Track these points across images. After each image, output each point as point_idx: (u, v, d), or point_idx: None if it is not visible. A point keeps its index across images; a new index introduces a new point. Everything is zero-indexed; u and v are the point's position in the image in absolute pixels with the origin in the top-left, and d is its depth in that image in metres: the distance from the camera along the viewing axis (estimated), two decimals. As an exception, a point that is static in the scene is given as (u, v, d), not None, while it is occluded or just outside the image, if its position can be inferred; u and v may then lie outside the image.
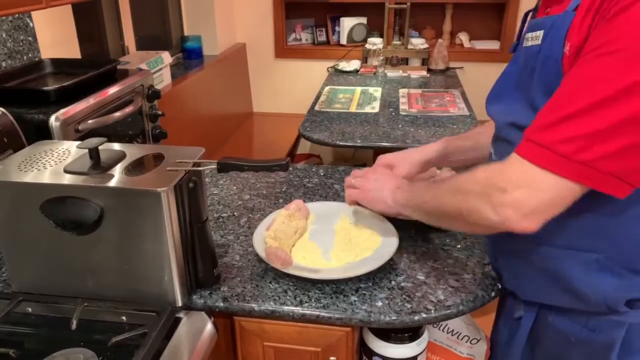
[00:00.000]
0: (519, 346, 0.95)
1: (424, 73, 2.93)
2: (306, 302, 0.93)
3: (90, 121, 1.31)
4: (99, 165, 0.89)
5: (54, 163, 0.91)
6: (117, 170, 0.89)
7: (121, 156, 0.93)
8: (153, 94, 1.64)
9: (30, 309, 0.94)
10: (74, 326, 0.86)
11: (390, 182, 1.02)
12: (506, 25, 3.08)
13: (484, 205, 0.75)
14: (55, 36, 1.80)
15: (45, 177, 0.87)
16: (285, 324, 0.94)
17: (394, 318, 0.89)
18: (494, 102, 0.95)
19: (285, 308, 0.92)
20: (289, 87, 3.40)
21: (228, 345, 1.01)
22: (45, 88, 1.30)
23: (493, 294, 0.96)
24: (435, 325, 1.16)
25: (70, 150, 0.97)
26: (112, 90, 1.44)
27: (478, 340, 1.16)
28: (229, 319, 0.98)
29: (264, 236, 1.02)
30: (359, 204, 1.07)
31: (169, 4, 2.87)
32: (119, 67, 1.60)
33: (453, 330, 1.17)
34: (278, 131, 3.11)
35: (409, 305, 0.91)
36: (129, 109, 1.46)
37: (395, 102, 2.42)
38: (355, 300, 0.93)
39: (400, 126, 2.09)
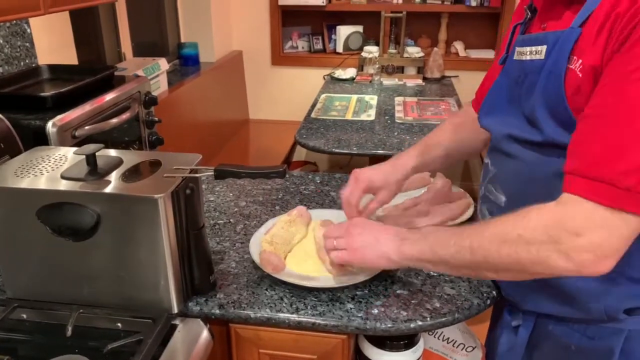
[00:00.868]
0: (517, 355, 0.95)
1: (420, 81, 2.95)
2: (302, 309, 0.93)
3: (87, 127, 1.30)
4: (95, 171, 0.89)
5: (51, 169, 0.91)
6: (114, 177, 0.89)
7: (118, 162, 0.93)
8: (150, 101, 1.64)
9: (25, 316, 0.93)
10: (69, 333, 0.86)
11: (384, 232, 0.89)
12: (501, 34, 3.11)
13: (553, 254, 0.69)
14: (52, 42, 1.80)
15: (42, 183, 0.87)
16: (281, 331, 0.94)
17: (389, 325, 0.89)
18: (487, 115, 0.96)
19: (281, 315, 0.92)
20: (286, 94, 3.41)
21: (224, 352, 1.01)
22: (42, 94, 1.30)
23: (489, 301, 0.96)
24: (431, 333, 1.16)
25: (67, 156, 0.97)
26: (109, 96, 1.44)
27: (474, 348, 1.16)
28: (224, 326, 0.97)
29: (260, 240, 1.03)
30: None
31: (165, 10, 2.88)
32: (116, 73, 1.60)
33: (449, 338, 1.17)
34: (274, 138, 3.11)
35: (404, 313, 0.91)
36: (125, 116, 1.46)
37: (391, 110, 2.43)
38: (351, 308, 0.93)
39: (395, 134, 2.10)
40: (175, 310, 0.91)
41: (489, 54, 3.19)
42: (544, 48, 0.78)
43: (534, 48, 0.80)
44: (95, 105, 1.37)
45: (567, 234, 0.68)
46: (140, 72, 2.04)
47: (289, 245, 1.05)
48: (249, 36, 3.33)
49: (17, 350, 0.90)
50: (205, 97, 2.77)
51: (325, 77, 3.14)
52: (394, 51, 3.08)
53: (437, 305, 0.93)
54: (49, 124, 1.20)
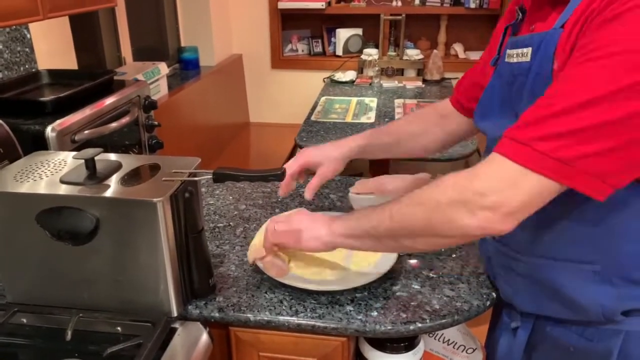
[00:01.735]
0: (516, 356, 0.95)
1: (419, 83, 2.95)
2: (302, 312, 0.93)
3: (86, 132, 1.31)
4: (95, 175, 0.89)
5: (50, 173, 0.92)
6: (113, 181, 0.89)
7: (117, 166, 0.93)
8: (149, 105, 1.65)
9: (24, 320, 0.93)
10: (68, 337, 0.86)
11: (321, 218, 0.92)
12: (500, 36, 3.11)
13: (459, 211, 0.71)
14: (52, 46, 1.81)
15: (41, 187, 0.87)
16: (281, 334, 0.94)
17: (389, 328, 0.89)
18: (482, 118, 0.96)
19: (281, 318, 0.92)
20: (286, 97, 3.42)
21: (223, 355, 1.01)
22: (41, 99, 1.31)
23: (488, 303, 0.96)
24: (431, 335, 1.16)
25: (67, 160, 0.97)
26: (109, 101, 1.44)
27: (474, 350, 1.16)
28: (224, 329, 0.97)
29: (260, 242, 1.02)
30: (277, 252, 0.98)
31: (166, 15, 2.89)
32: (115, 77, 1.61)
33: (449, 340, 1.17)
34: (274, 141, 3.12)
35: (404, 315, 0.91)
36: (125, 120, 1.47)
37: (391, 112, 2.43)
38: (350, 310, 0.93)
39: (395, 136, 2.10)
40: (175, 313, 0.91)
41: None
42: (529, 50, 0.78)
43: (520, 50, 0.81)
44: (95, 109, 1.38)
45: (471, 193, 0.70)
46: (140, 77, 2.05)
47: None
48: (248, 40, 3.33)
49: (17, 355, 0.90)
50: (205, 101, 2.78)
51: (325, 79, 3.15)
52: (393, 53, 3.08)
53: (437, 307, 0.93)
54: (49, 129, 1.20)
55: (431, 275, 1.02)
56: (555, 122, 0.66)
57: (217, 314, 0.93)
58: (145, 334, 0.85)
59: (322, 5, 3.10)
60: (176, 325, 0.92)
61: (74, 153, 0.96)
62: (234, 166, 0.94)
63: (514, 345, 0.96)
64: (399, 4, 3.17)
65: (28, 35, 1.64)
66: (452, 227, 0.73)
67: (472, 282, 1.00)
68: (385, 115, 2.38)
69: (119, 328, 0.91)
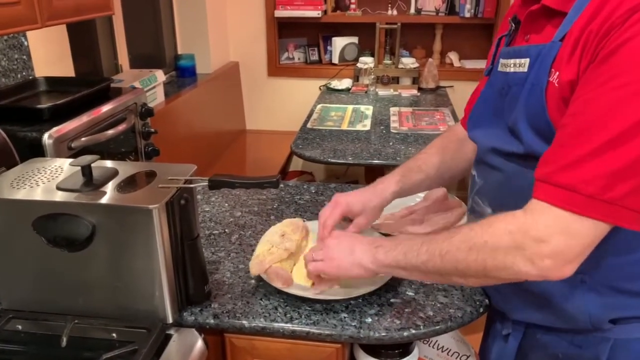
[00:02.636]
0: (508, 363, 0.96)
1: (415, 92, 2.97)
2: (296, 318, 0.93)
3: (83, 139, 1.31)
4: (91, 182, 0.90)
5: (47, 180, 0.92)
6: (110, 188, 0.89)
7: (113, 173, 0.94)
8: (146, 112, 1.65)
9: (20, 327, 0.94)
10: (64, 343, 0.86)
11: (359, 242, 0.92)
12: (495, 45, 3.14)
13: (518, 260, 0.71)
14: (49, 54, 1.82)
15: (38, 194, 0.88)
16: (276, 340, 0.95)
17: (383, 334, 0.90)
18: (475, 128, 0.97)
19: (276, 325, 0.92)
20: (282, 105, 3.43)
21: (218, 362, 1.01)
22: (38, 106, 1.31)
23: (481, 310, 0.97)
24: (425, 342, 1.17)
25: (63, 167, 0.97)
26: (105, 108, 1.45)
27: (468, 357, 1.16)
28: (219, 336, 0.98)
29: (263, 254, 1.01)
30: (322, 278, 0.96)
31: (162, 22, 2.90)
32: (112, 85, 1.62)
33: (443, 347, 1.17)
34: (271, 148, 3.12)
35: (398, 322, 0.92)
36: (122, 127, 1.47)
37: (387, 120, 2.45)
38: (345, 317, 0.93)
39: (391, 144, 2.12)
40: (170, 320, 0.92)
41: (483, 65, 3.20)
42: (527, 61, 0.80)
43: (517, 60, 0.82)
44: (92, 117, 1.38)
45: (531, 241, 0.70)
46: (136, 84, 2.06)
47: (294, 258, 1.05)
48: (245, 47, 3.35)
49: (12, 361, 0.90)
50: (202, 108, 2.79)
51: (321, 87, 3.16)
52: (389, 62, 3.10)
53: (430, 313, 0.94)
54: (45, 136, 1.21)
55: (425, 282, 1.03)
56: (595, 163, 0.66)
57: (212, 321, 0.93)
58: (140, 340, 0.86)
59: (319, 14, 3.12)
60: (171, 331, 0.92)
61: (70, 160, 0.96)
62: (230, 173, 0.95)
63: (505, 352, 0.97)
64: (395, 13, 3.20)
65: (25, 43, 1.65)
66: (509, 273, 0.73)
67: (465, 289, 1.01)
68: (380, 123, 2.40)
69: (114, 334, 0.91)
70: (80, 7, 1.39)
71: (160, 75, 2.31)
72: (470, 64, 3.23)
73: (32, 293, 0.94)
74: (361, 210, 1.05)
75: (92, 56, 2.29)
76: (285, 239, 1.04)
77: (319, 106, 2.72)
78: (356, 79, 3.11)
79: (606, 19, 0.67)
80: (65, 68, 1.93)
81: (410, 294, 1.00)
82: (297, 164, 3.29)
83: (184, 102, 2.57)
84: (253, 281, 1.03)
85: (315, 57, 3.40)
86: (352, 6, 3.20)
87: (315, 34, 3.39)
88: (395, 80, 3.04)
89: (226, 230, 1.25)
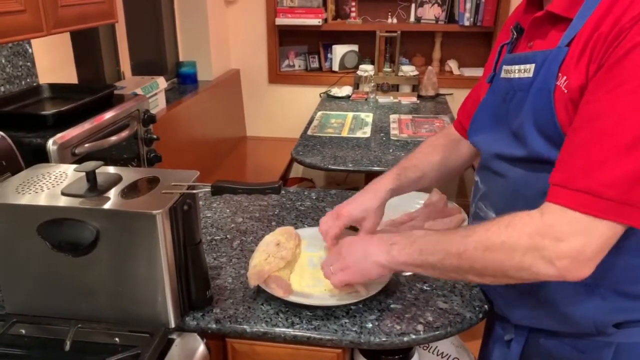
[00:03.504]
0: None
1: (414, 99, 2.99)
2: (297, 323, 0.94)
3: (86, 145, 1.33)
4: (95, 188, 0.91)
5: (51, 186, 0.93)
6: (113, 193, 0.91)
7: (117, 179, 0.95)
8: (148, 119, 1.67)
9: (23, 331, 0.94)
10: (67, 348, 0.87)
11: (370, 243, 0.92)
12: (494, 53, 3.16)
13: (535, 260, 0.72)
14: (53, 61, 1.84)
15: (43, 199, 0.89)
16: (277, 345, 0.95)
17: (384, 339, 0.91)
18: (476, 133, 0.98)
19: (277, 330, 0.93)
20: (282, 112, 3.45)
21: (220, 367, 1.02)
22: (43, 112, 1.32)
23: (481, 315, 0.98)
24: (425, 348, 1.17)
25: (67, 173, 0.99)
26: (108, 115, 1.46)
27: (467, 363, 1.17)
28: (221, 341, 0.98)
29: (261, 265, 1.02)
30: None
31: (164, 30, 2.92)
32: (115, 92, 1.63)
33: (443, 353, 1.18)
34: (271, 155, 3.14)
35: (398, 327, 0.93)
36: (124, 133, 1.49)
37: (386, 127, 2.46)
38: (345, 322, 0.94)
39: (391, 151, 2.13)
40: (173, 324, 0.92)
41: (482, 73, 3.24)
42: (532, 66, 0.81)
43: (522, 66, 0.83)
44: (95, 123, 1.40)
45: (550, 241, 0.71)
46: (139, 91, 2.07)
47: (290, 266, 1.06)
48: (246, 55, 3.38)
49: (15, 366, 0.90)
50: (203, 115, 2.81)
51: (322, 95, 3.18)
52: (389, 70, 3.13)
53: (430, 319, 0.95)
54: (50, 142, 1.22)
55: (425, 287, 1.04)
56: (614, 166, 0.67)
57: (214, 326, 0.94)
58: (143, 345, 0.87)
59: (319, 22, 3.15)
60: (174, 336, 0.93)
61: (74, 166, 0.98)
62: (231, 179, 0.96)
63: (508, 358, 0.97)
64: (395, 21, 3.22)
65: (30, 50, 1.66)
66: (528, 273, 0.74)
67: (465, 295, 1.02)
68: (380, 130, 2.41)
69: (117, 339, 0.92)
70: (85, 15, 1.41)
71: (162, 82, 2.33)
72: (469, 72, 3.26)
73: (35, 297, 0.95)
74: (363, 215, 1.06)
75: (94, 63, 2.31)
76: (281, 247, 1.05)
77: (319, 113, 2.74)
78: (356, 86, 3.13)
79: (615, 23, 0.69)
80: (68, 75, 1.95)
81: (410, 299, 1.00)
82: (297, 171, 3.30)
83: (185, 109, 2.58)
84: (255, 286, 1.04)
85: (315, 65, 3.42)
86: (353, 14, 3.23)
87: (315, 41, 3.41)
88: (395, 87, 3.06)
89: (228, 236, 1.26)
